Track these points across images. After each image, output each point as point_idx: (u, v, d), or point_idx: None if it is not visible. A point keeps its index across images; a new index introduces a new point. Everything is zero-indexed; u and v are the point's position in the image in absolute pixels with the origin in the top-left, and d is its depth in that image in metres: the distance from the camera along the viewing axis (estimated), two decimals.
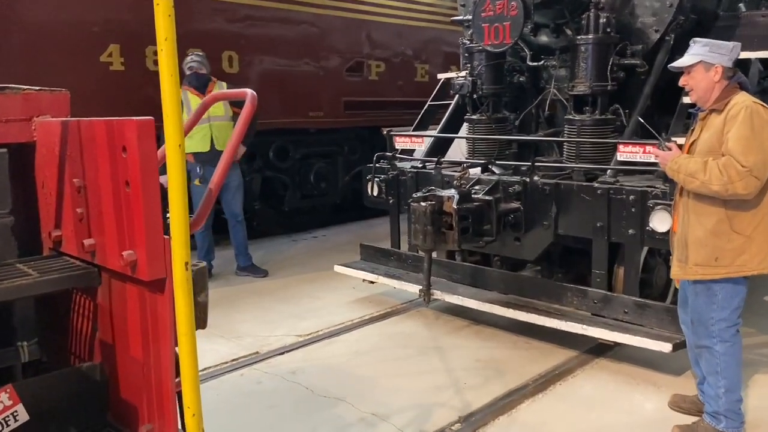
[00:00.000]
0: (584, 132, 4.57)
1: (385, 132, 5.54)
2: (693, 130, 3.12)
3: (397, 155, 5.38)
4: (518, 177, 4.58)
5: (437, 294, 4.81)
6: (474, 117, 5.23)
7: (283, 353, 4.48)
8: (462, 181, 4.37)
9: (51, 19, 5.66)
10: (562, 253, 5.02)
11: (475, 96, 5.15)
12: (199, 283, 1.93)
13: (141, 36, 6.01)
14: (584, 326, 4.05)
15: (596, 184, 4.18)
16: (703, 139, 2.98)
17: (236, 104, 6.08)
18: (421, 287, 4.79)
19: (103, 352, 2.05)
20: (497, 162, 4.87)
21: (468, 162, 4.99)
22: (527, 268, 5.51)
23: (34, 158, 2.20)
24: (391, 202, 5.36)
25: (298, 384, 3.96)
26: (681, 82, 3.08)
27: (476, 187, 4.62)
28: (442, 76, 6.19)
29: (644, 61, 4.53)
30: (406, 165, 5.35)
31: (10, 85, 2.27)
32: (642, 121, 4.32)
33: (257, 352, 4.48)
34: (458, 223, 4.17)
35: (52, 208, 2.14)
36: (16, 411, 1.84)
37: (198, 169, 5.92)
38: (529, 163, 4.52)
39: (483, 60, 5.13)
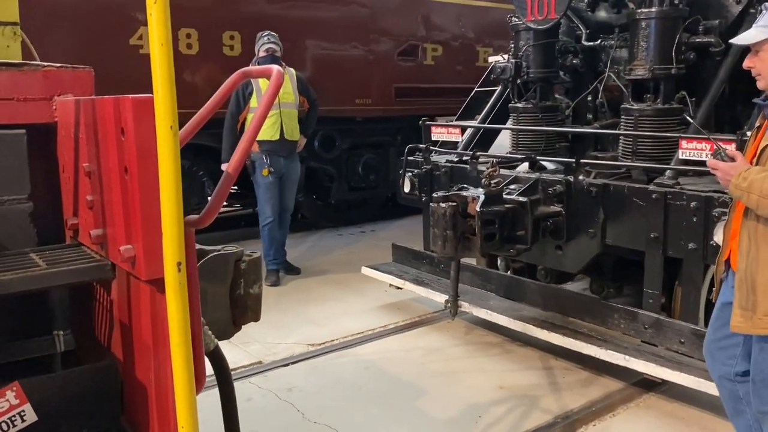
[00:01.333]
0: (643, 124, 3.85)
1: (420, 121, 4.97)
2: (760, 129, 2.39)
3: (432, 147, 4.81)
4: (561, 176, 3.93)
5: (465, 306, 4.26)
6: (519, 105, 4.58)
7: (286, 365, 4.06)
8: (491, 180, 3.77)
9: (83, 2, 5.48)
10: (616, 263, 4.33)
11: (519, 81, 4.51)
12: (252, 274, 1.98)
13: (173, 19, 5.73)
14: (628, 357, 3.38)
15: (651, 187, 3.48)
16: None
17: (302, 93, 5.74)
18: (447, 297, 4.28)
19: (117, 351, 1.91)
20: (538, 158, 4.23)
21: (499, 157, 4.37)
22: (577, 278, 4.84)
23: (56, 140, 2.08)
24: (423, 199, 4.81)
25: (291, 405, 3.52)
26: (745, 64, 2.37)
27: (512, 187, 4.01)
28: (492, 59, 5.56)
29: (720, 39, 3.75)
30: (442, 159, 4.78)
31: (29, 62, 2.14)
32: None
33: (260, 362, 4.08)
34: (481, 228, 3.59)
35: (70, 194, 2.02)
36: (23, 411, 1.75)
37: (264, 158, 5.61)
38: (573, 160, 3.86)
39: (530, 39, 4.48)
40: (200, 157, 6.52)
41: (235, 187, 6.99)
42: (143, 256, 1.57)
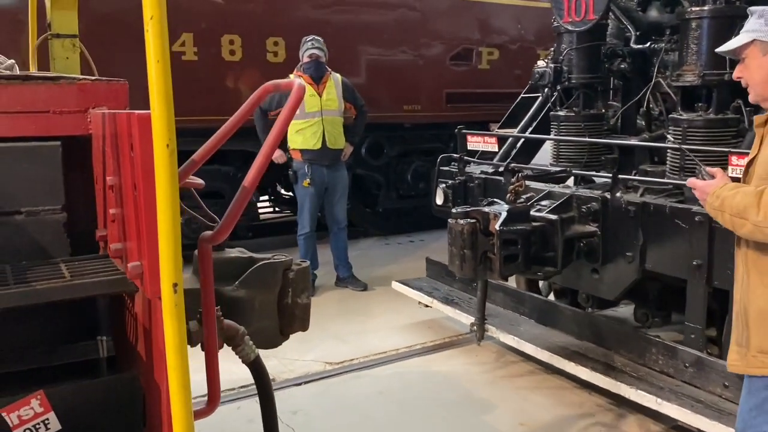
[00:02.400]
0: (692, 136, 3.43)
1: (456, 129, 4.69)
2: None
3: (466, 158, 4.51)
4: (598, 192, 3.57)
5: (492, 330, 3.95)
6: (560, 113, 4.23)
7: (299, 384, 3.89)
8: (516, 195, 3.46)
9: (124, 7, 5.52)
10: (664, 289, 3.90)
11: (559, 87, 4.16)
12: (300, 283, 2.00)
13: (215, 25, 5.71)
14: (660, 400, 2.99)
15: (694, 208, 3.08)
16: (764, 158, 1.92)
17: (348, 99, 5.60)
18: (474, 320, 3.99)
19: (140, 363, 1.94)
20: (574, 171, 3.87)
21: (534, 169, 4.03)
22: (624, 302, 4.42)
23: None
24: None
25: (291, 430, 3.34)
26: (735, 75, 2.07)
27: (543, 203, 3.68)
28: (541, 63, 5.19)
29: None
30: (477, 170, 4.49)
31: (64, 75, 2.24)
32: None
33: (273, 380, 3.91)
34: (501, 248, 3.29)
35: (100, 206, 2.09)
36: (47, 419, 1.79)
37: (306, 168, 5.49)
38: (610, 175, 3.49)
39: (573, 42, 4.12)
40: (248, 164, 6.48)
41: (290, 193, 6.91)
42: (148, 273, 1.57)
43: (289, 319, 2.04)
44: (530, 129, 4.62)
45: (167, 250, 1.40)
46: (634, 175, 3.90)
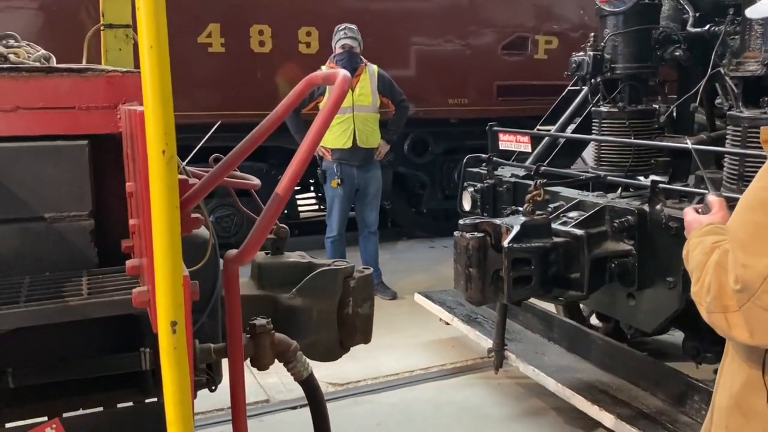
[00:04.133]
0: (754, 138, 2.81)
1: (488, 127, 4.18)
2: None
3: (496, 158, 4.00)
4: (635, 204, 3.01)
5: (511, 358, 3.46)
6: (603, 109, 3.65)
7: (294, 407, 3.53)
8: (534, 205, 2.95)
9: None
10: None
11: (600, 79, 3.58)
12: (362, 292, 1.91)
13: (244, 16, 5.43)
14: None
15: None
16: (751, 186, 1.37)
17: (385, 94, 5.21)
18: (491, 345, 3.51)
19: (162, 389, 1.69)
20: (609, 177, 3.31)
21: (560, 173, 3.48)
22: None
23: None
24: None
25: None
26: None
27: (571, 215, 3.15)
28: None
29: None
30: (508, 172, 3.98)
31: (92, 66, 2.02)
32: None
33: (267, 401, 3.60)
34: (510, 268, 2.80)
35: (126, 214, 1.89)
36: None
37: (335, 168, 5.15)
38: (648, 183, 2.92)
39: (618, 25, 3.54)
40: (284, 162, 6.18)
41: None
42: (153, 302, 1.30)
43: (349, 330, 1.93)
44: (570, 127, 4.06)
45: (164, 281, 1.17)
46: (686, 183, 3.32)
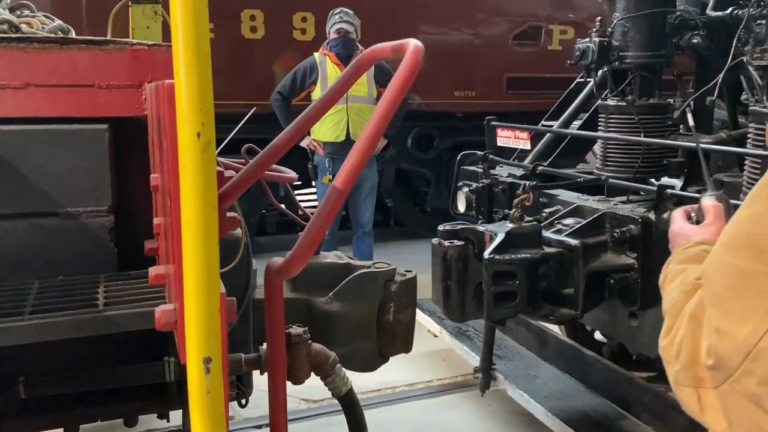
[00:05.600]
0: None
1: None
2: None
3: (492, 156, 3.64)
4: (639, 211, 2.64)
5: (500, 380, 3.11)
6: (610, 103, 3.27)
7: (259, 426, 3.23)
8: (521, 210, 2.59)
9: None
10: None
11: (606, 69, 3.20)
12: (404, 297, 1.85)
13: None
14: None
15: None
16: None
17: (382, 84, 4.87)
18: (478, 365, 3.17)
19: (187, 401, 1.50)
20: (612, 180, 2.94)
21: (558, 173, 3.12)
22: None
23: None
24: (480, 222, 3.68)
25: None
26: None
27: (566, 221, 2.79)
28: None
29: None
30: (505, 172, 3.62)
31: (114, 39, 1.78)
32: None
33: (232, 417, 3.29)
34: (490, 283, 2.45)
35: (150, 210, 1.64)
36: None
37: (327, 162, 4.84)
38: (654, 188, 2.55)
39: (629, 9, 3.15)
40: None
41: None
42: (181, 329, 1.06)
43: (389, 338, 1.82)
44: (577, 123, 3.68)
45: (197, 301, 0.93)
46: (703, 188, 2.94)
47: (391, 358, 3.63)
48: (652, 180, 3.21)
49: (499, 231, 2.57)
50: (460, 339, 3.51)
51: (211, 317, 0.94)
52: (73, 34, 1.98)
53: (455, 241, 2.61)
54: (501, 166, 3.69)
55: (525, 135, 3.54)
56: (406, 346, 1.87)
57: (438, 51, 5.93)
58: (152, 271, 1.44)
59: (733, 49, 2.77)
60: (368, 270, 1.82)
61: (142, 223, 1.71)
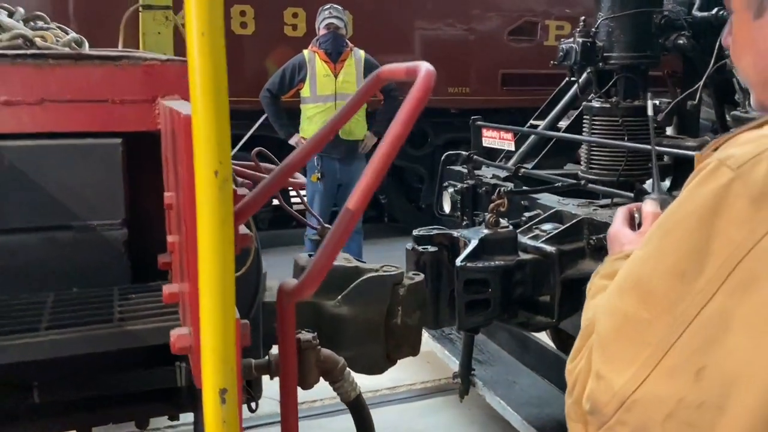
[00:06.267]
0: None
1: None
2: None
3: (477, 157, 3.58)
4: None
5: (478, 386, 3.07)
6: (594, 104, 3.20)
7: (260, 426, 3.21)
8: (496, 216, 2.54)
9: None
10: None
11: (591, 70, 3.14)
12: (412, 301, 1.83)
13: None
14: None
15: None
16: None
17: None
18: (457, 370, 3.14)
19: (199, 404, 1.49)
20: (595, 181, 2.89)
21: (540, 175, 3.06)
22: None
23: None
24: (464, 224, 3.63)
25: None
26: (723, 40, 1.07)
27: (545, 227, 2.73)
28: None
29: None
30: (490, 172, 3.56)
31: (128, 53, 1.85)
32: None
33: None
34: (462, 291, 2.41)
35: (164, 221, 1.65)
36: None
37: (315, 161, 4.80)
38: (631, 194, 2.50)
39: (615, 8, 3.08)
40: (276, 153, 5.85)
41: None
42: (196, 354, 1.05)
43: (397, 342, 1.84)
44: (563, 122, 3.62)
45: (212, 336, 0.92)
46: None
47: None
48: (648, 183, 3.16)
49: (473, 237, 2.53)
50: (442, 342, 3.47)
51: (227, 349, 0.95)
52: (86, 46, 2.00)
53: (429, 246, 2.57)
54: (487, 167, 3.64)
55: (510, 136, 3.48)
56: (413, 350, 1.88)
57: (432, 46, 5.87)
58: (166, 289, 1.44)
59: (716, 51, 2.70)
60: (377, 274, 1.83)
61: (155, 235, 1.72)
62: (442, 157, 3.70)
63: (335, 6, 4.77)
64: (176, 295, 1.39)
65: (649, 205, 1.14)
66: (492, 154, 3.85)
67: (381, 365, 1.90)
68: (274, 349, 1.47)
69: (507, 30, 6.11)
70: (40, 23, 2.12)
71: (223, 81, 0.88)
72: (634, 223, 1.17)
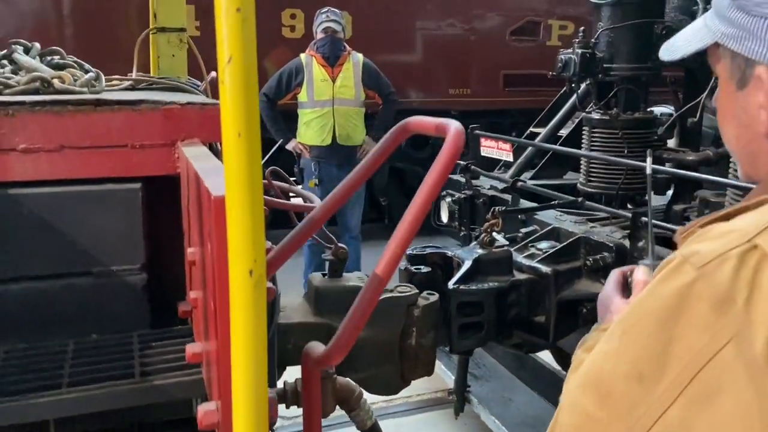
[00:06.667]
0: None
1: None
2: None
3: (474, 167, 3.52)
4: (617, 236, 2.53)
5: (473, 403, 3.03)
6: (594, 116, 3.14)
7: None
8: (490, 235, 2.49)
9: None
10: None
11: (590, 81, 3.07)
12: (426, 322, 1.83)
13: None
14: None
15: None
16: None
17: (370, 86, 4.75)
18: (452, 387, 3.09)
19: None
20: (595, 194, 2.84)
21: (536, 190, 3.00)
22: None
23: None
24: (461, 234, 3.58)
25: None
26: (713, 101, 0.96)
27: (542, 245, 2.68)
28: None
29: None
30: (488, 183, 3.51)
31: (147, 98, 1.83)
32: None
33: None
34: (454, 313, 2.36)
35: (188, 270, 1.63)
36: None
37: (313, 166, 4.74)
38: (629, 214, 2.44)
39: (615, 18, 3.01)
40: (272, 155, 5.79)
41: None
42: (226, 428, 1.02)
43: (411, 362, 1.83)
44: (564, 131, 3.56)
45: (245, 416, 0.90)
46: (689, 206, 2.84)
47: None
48: (657, 196, 3.10)
49: (467, 257, 2.47)
50: (438, 356, 3.42)
51: (259, 429, 0.92)
52: (102, 80, 2.01)
53: (422, 267, 2.52)
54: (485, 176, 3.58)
55: (507, 146, 3.42)
56: (428, 370, 1.88)
57: (432, 47, 5.79)
58: (189, 349, 1.43)
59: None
60: (392, 295, 1.82)
61: (175, 277, 1.73)
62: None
63: (333, 9, 4.70)
64: (199, 356, 1.38)
65: (641, 273, 1.09)
66: (492, 160, 3.79)
67: (395, 386, 1.90)
68: (289, 375, 1.50)
69: (509, 30, 6.02)
70: (56, 58, 2.11)
71: (259, 184, 0.87)
72: (627, 287, 1.11)
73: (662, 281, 0.73)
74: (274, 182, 2.32)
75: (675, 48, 0.91)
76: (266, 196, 2.17)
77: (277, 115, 4.69)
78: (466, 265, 2.43)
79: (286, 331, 1.85)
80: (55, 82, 1.84)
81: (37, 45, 2.14)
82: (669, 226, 2.34)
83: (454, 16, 5.81)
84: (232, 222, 0.88)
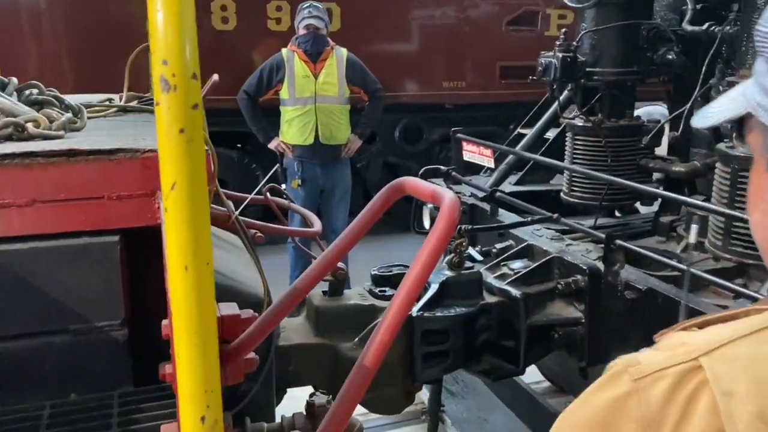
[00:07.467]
0: (745, 184, 2.14)
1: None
2: None
3: (455, 174, 3.37)
4: (592, 257, 2.39)
5: (447, 423, 2.92)
6: (577, 123, 2.98)
7: None
8: (459, 257, 2.35)
9: None
10: None
11: (572, 86, 2.91)
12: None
13: None
14: None
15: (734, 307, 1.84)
16: None
17: (355, 82, 4.59)
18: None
19: None
20: (576, 205, 2.70)
21: (501, 197, 2.86)
22: None
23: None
24: None
25: None
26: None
27: (515, 264, 2.54)
28: None
29: None
30: (467, 191, 3.36)
31: (124, 147, 1.75)
32: None
33: None
34: (418, 342, 2.23)
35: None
36: None
37: (296, 166, 4.61)
38: (602, 235, 2.29)
39: (599, 20, 2.84)
40: (263, 150, 5.66)
41: None
42: None
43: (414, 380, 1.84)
44: (550, 133, 3.40)
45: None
46: (677, 218, 2.70)
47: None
48: (640, 209, 2.96)
49: (434, 280, 2.35)
50: None
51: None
52: (84, 115, 1.92)
53: (387, 289, 2.39)
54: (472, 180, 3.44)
55: (489, 152, 3.27)
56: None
57: (425, 38, 5.60)
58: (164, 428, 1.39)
59: (703, 71, 2.46)
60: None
61: (159, 332, 1.63)
62: (420, 172, 3.50)
63: (315, 4, 4.53)
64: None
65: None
66: (476, 165, 3.64)
67: (399, 405, 1.91)
68: (287, 407, 1.53)
69: (506, 19, 5.81)
70: (35, 92, 2.01)
71: (212, 319, 0.82)
72: None
73: (598, 389, 0.70)
74: (271, 198, 2.24)
75: (709, 115, 0.79)
76: (266, 224, 2.08)
77: (258, 113, 4.55)
78: (432, 289, 2.30)
79: (287, 353, 1.82)
80: (29, 126, 1.74)
81: (14, 80, 2.03)
82: (646, 253, 2.19)
83: (448, 5, 5.61)
84: (181, 367, 0.81)
